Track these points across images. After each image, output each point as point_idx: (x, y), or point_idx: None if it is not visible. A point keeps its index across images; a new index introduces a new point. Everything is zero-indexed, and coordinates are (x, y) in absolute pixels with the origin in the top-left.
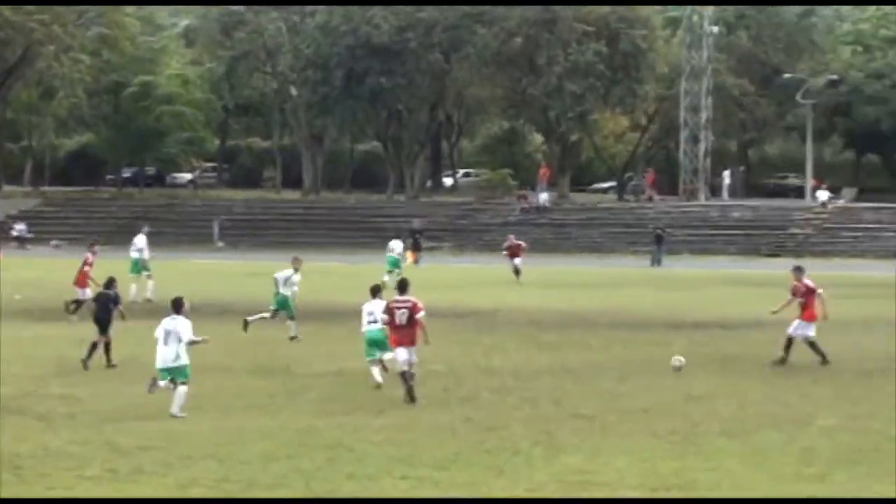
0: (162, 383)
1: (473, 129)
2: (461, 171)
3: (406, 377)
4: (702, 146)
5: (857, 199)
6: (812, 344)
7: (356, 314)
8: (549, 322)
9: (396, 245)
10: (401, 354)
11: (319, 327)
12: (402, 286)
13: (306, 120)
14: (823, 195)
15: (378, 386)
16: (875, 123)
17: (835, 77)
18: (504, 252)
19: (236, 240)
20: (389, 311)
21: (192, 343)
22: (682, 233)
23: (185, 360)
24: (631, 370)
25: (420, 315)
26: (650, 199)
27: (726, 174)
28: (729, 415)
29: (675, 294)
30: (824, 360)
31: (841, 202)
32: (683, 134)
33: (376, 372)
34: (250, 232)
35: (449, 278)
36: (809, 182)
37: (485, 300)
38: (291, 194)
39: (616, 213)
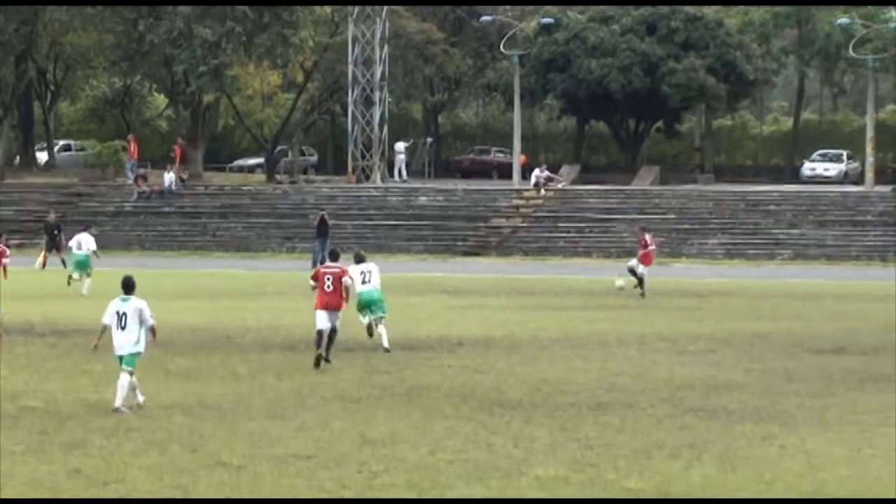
0: (121, 378)
1: (75, 89)
2: (59, 144)
3: (321, 338)
4: (377, 111)
5: (581, 179)
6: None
7: None
8: (181, 343)
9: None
10: (321, 318)
11: None
12: (334, 255)
13: None
14: (537, 175)
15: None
16: (601, 81)
17: (549, 20)
18: None
19: None
20: (319, 276)
21: (152, 330)
22: (353, 225)
23: (142, 345)
24: (288, 405)
25: (345, 279)
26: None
27: (400, 146)
28: (417, 462)
29: None
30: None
31: (560, 185)
32: (352, 95)
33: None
34: None
35: (48, 285)
36: (518, 158)
37: (93, 312)
38: None
39: (265, 199)
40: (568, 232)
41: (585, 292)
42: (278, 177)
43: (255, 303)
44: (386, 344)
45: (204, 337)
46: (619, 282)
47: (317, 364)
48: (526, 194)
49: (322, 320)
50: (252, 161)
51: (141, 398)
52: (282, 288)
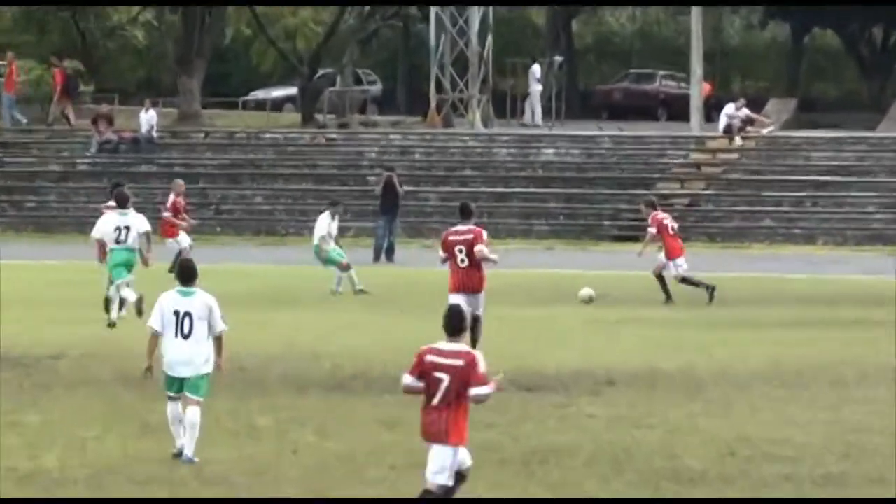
0: (171, 408)
1: None
2: None
3: None
4: (475, 15)
5: (797, 121)
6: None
7: None
8: None
9: None
10: None
11: None
12: (466, 211)
13: None
14: (730, 115)
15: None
16: None
17: None
18: None
19: None
20: (447, 246)
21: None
22: (437, 193)
23: (212, 363)
24: (335, 479)
25: (478, 248)
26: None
27: (536, 70)
28: None
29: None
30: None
31: (766, 129)
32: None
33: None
34: None
35: None
36: (699, 88)
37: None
38: None
39: (299, 153)
40: (778, 205)
41: (807, 299)
42: (320, 117)
43: (284, 315)
44: None
45: None
46: (586, 291)
47: None
48: (712, 145)
49: None
50: (279, 93)
51: (190, 450)
52: (325, 292)
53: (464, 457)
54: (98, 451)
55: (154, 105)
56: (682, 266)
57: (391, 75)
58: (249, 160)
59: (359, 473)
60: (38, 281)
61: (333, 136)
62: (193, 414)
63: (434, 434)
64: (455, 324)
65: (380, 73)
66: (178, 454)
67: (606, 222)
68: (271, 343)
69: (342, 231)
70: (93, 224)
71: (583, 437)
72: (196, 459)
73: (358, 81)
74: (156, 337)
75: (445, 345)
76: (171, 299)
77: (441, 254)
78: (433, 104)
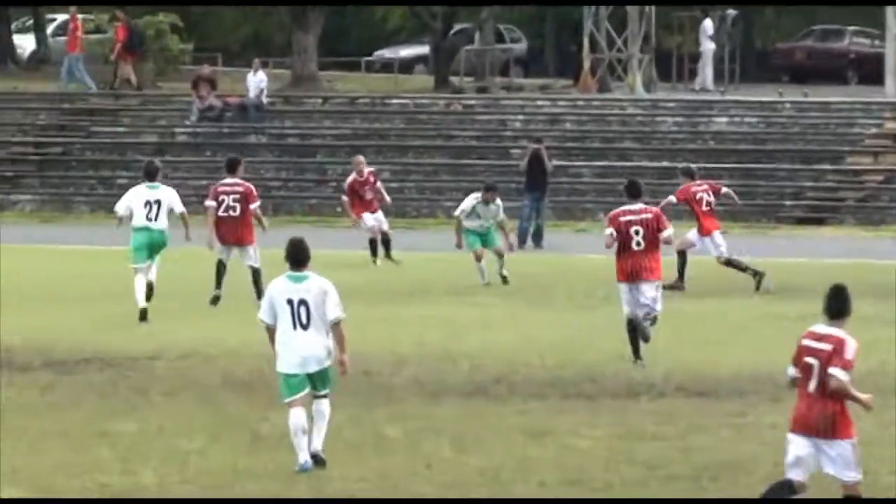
0: (295, 415)
1: None
2: (56, 21)
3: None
4: None
5: None
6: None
7: None
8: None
9: None
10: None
11: None
12: (634, 189)
13: None
14: None
15: None
16: None
17: None
18: None
19: None
20: (618, 226)
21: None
22: (590, 168)
23: (333, 355)
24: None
25: (665, 233)
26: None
27: (708, 25)
28: None
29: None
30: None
31: None
32: None
33: None
34: None
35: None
36: (894, 45)
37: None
38: None
39: (432, 121)
40: None
41: None
42: (455, 80)
43: (413, 310)
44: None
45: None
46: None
47: None
48: None
49: (630, 304)
50: (407, 52)
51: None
52: (460, 284)
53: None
54: (201, 465)
55: (263, 66)
56: (721, 246)
57: (538, 32)
58: (374, 130)
59: (502, 491)
60: (129, 271)
61: (471, 102)
62: (325, 405)
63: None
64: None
65: (525, 29)
66: (302, 470)
67: (788, 202)
68: (399, 342)
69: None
70: (195, 204)
71: (761, 450)
72: (324, 456)
73: (500, 39)
74: (271, 330)
75: (821, 328)
76: (281, 287)
77: (608, 232)
78: (586, 65)
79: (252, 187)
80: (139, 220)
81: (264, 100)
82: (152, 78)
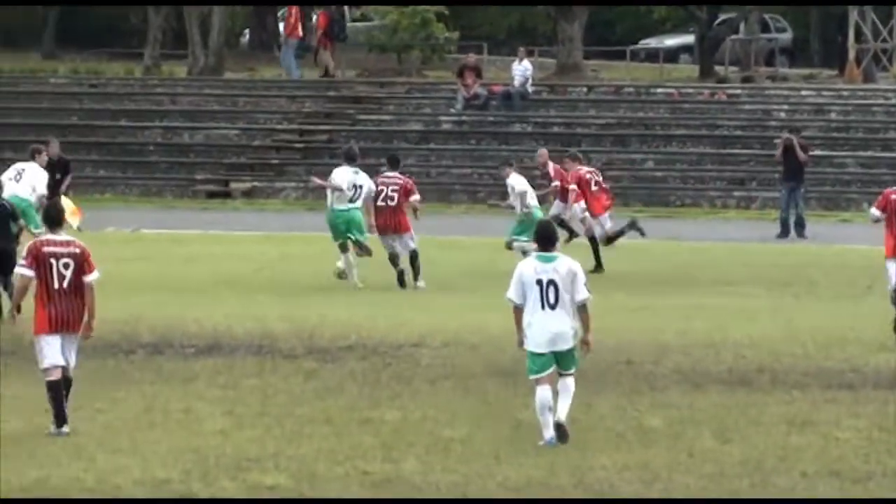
0: (541, 392)
1: None
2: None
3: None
4: None
5: None
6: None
7: None
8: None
9: None
10: None
11: None
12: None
13: None
14: None
15: None
16: None
17: None
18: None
19: None
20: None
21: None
22: (853, 159)
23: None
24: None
25: None
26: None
27: None
28: None
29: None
30: None
31: None
32: None
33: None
34: None
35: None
36: None
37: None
38: None
39: (697, 111)
40: None
41: None
42: (720, 70)
43: (676, 299)
44: None
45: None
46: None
47: None
48: None
49: None
50: (672, 41)
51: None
52: (726, 274)
53: None
54: (464, 453)
55: (529, 55)
56: (606, 224)
57: (803, 21)
58: (639, 119)
59: (764, 482)
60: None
61: (736, 91)
62: (571, 381)
63: None
64: None
65: (790, 18)
66: (547, 445)
67: None
68: (662, 331)
69: (746, 202)
70: (460, 192)
71: None
72: (567, 427)
73: (765, 28)
74: (519, 310)
75: None
76: (531, 267)
77: (875, 212)
78: (852, 55)
79: (411, 181)
80: (342, 202)
81: (529, 88)
82: (418, 66)
